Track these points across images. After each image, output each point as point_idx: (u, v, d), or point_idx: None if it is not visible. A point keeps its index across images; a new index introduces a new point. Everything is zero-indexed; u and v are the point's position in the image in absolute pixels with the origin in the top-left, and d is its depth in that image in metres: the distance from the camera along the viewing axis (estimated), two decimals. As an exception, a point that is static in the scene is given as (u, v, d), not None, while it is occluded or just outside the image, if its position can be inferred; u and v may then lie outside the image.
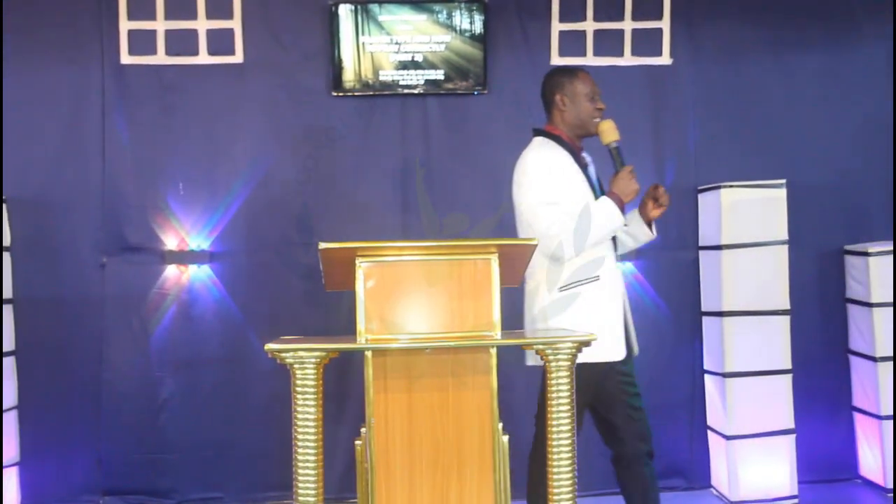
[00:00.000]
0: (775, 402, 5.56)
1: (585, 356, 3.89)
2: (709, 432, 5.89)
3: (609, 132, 4.19)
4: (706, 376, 5.88)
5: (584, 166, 4.22)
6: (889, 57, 6.14)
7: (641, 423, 4.30)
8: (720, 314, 5.61)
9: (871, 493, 5.79)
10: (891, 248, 5.72)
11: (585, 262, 4.07)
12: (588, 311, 4.06)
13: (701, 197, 5.91)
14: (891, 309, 5.64)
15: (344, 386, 5.54)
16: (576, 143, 4.28)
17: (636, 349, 4.33)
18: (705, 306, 5.87)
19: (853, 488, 5.89)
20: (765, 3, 6.06)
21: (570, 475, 3.65)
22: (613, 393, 4.23)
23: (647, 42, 5.99)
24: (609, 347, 4.08)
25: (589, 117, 4.23)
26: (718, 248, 5.63)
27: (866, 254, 5.64)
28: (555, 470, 3.64)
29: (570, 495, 3.64)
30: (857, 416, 5.94)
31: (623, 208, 4.09)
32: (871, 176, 6.06)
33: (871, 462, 5.88)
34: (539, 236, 4.01)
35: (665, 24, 5.98)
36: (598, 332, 3.91)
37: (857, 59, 6.12)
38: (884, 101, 6.13)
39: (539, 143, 4.26)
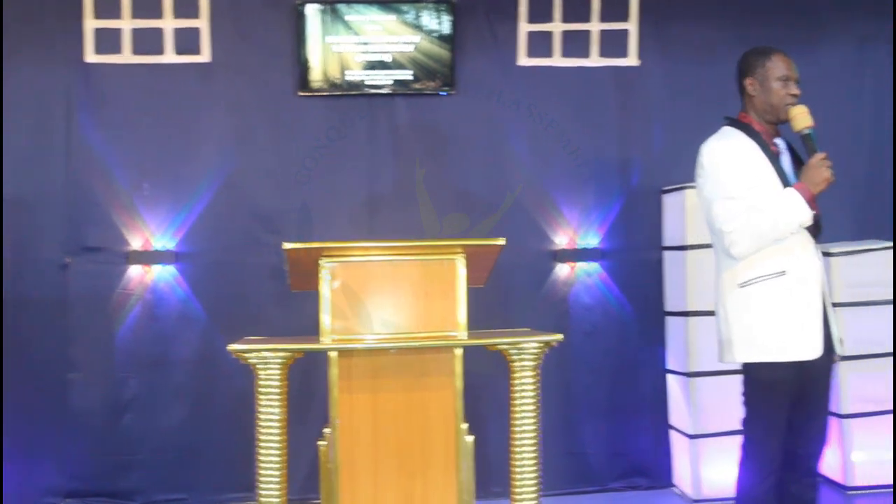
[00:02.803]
0: (739, 401, 5.59)
1: (768, 355, 3.79)
2: (671, 431, 5.92)
3: (800, 118, 3.85)
4: (669, 376, 5.92)
5: (774, 156, 3.90)
6: (855, 57, 6.26)
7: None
8: (685, 314, 5.65)
9: (831, 492, 5.83)
10: (853, 249, 5.78)
11: (768, 256, 3.80)
12: (770, 308, 3.80)
13: (666, 198, 5.95)
14: (855, 309, 5.70)
15: (309, 386, 5.52)
16: (768, 131, 3.96)
17: (837, 347, 3.94)
18: (669, 306, 5.91)
19: (815, 487, 5.93)
20: (732, 4, 6.11)
21: (533, 474, 3.67)
22: (815, 395, 3.94)
23: (614, 43, 6.02)
24: (797, 346, 3.80)
25: (780, 103, 3.90)
26: (683, 248, 5.67)
27: (828, 254, 5.69)
28: (518, 468, 3.65)
29: (533, 494, 3.66)
30: (820, 416, 5.99)
31: (812, 199, 3.77)
32: (838, 176, 6.10)
33: (831, 460, 5.92)
34: (714, 232, 3.90)
35: (632, 26, 6.01)
36: (784, 330, 3.78)
37: (823, 60, 6.16)
38: (848, 100, 6.22)
39: (723, 132, 4.01)
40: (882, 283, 5.82)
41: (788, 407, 3.86)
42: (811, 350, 3.81)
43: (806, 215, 3.75)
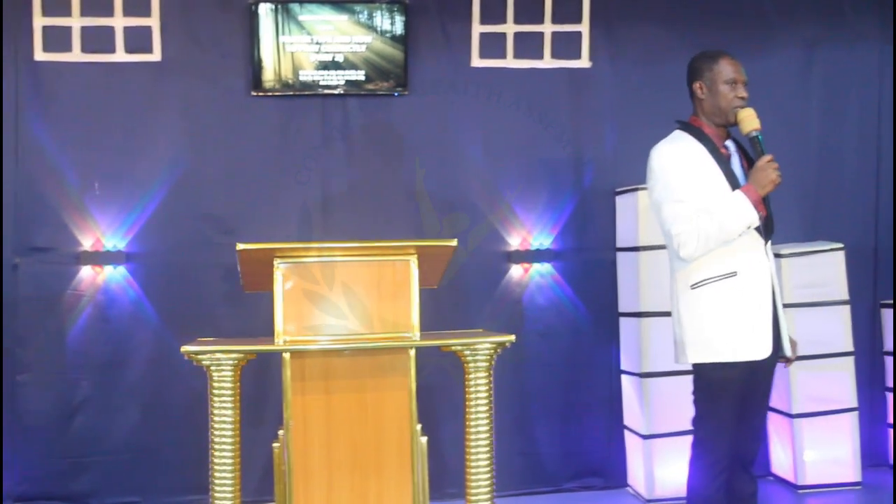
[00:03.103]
0: (691, 401, 5.63)
1: (720, 356, 3.80)
2: (626, 432, 5.95)
3: (748, 121, 3.86)
4: (623, 376, 5.95)
5: (725, 158, 3.91)
6: (803, 59, 6.34)
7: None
8: (637, 315, 5.68)
9: (783, 490, 5.91)
10: (804, 250, 5.85)
11: (719, 257, 3.81)
12: (722, 309, 3.81)
13: (619, 199, 5.98)
14: (805, 309, 5.78)
15: (263, 387, 5.49)
16: (719, 134, 3.97)
17: (786, 349, 3.96)
18: (622, 307, 5.94)
19: (766, 485, 5.98)
20: (683, 7, 6.16)
21: (488, 475, 3.68)
22: (757, 395, 3.97)
23: (566, 45, 6.04)
24: (746, 346, 3.81)
25: (728, 106, 3.90)
26: (636, 249, 5.70)
27: (779, 255, 5.75)
28: (473, 469, 3.66)
29: (488, 495, 3.67)
30: (770, 415, 6.03)
31: (759, 200, 3.77)
32: (787, 178, 6.17)
33: (782, 460, 6.00)
34: (663, 235, 3.92)
35: (584, 28, 6.04)
36: (735, 331, 3.79)
37: (772, 62, 6.23)
38: (798, 102, 6.31)
39: (673, 136, 4.01)
40: (832, 283, 5.89)
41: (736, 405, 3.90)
42: (762, 350, 3.83)
43: (753, 217, 3.77)
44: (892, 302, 6.24)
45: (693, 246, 3.77)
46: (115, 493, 5.58)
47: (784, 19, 6.30)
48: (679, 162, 3.87)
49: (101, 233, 5.59)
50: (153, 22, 5.66)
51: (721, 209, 3.76)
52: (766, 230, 3.92)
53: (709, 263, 3.83)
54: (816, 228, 6.28)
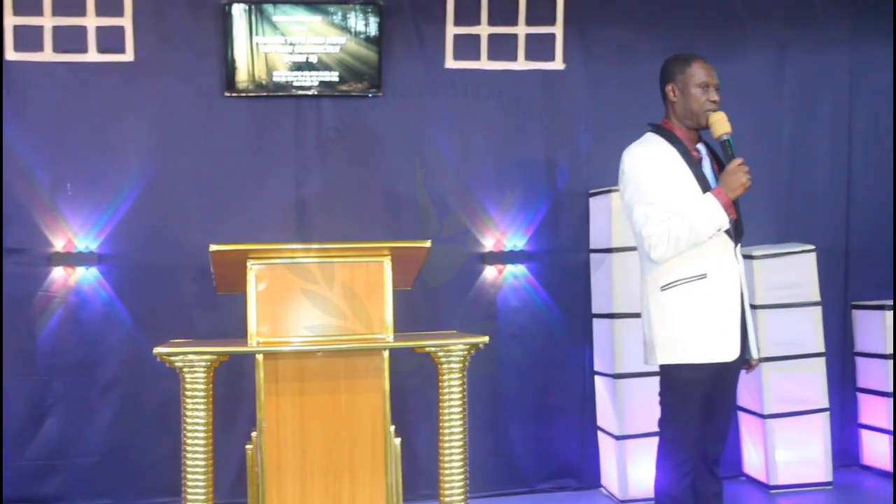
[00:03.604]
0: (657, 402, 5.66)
1: (689, 357, 3.81)
2: (599, 433, 5.97)
3: (719, 124, 3.88)
4: (596, 377, 5.96)
5: (696, 161, 3.92)
6: (776, 61, 6.39)
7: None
8: (610, 316, 5.69)
9: (754, 490, 5.94)
10: (775, 251, 5.89)
11: (689, 260, 3.82)
12: (691, 310, 3.83)
13: (592, 200, 5.99)
14: (773, 311, 5.82)
15: (237, 389, 5.48)
16: (690, 137, 3.99)
17: (753, 351, 3.99)
18: (596, 308, 5.95)
19: (737, 486, 6.02)
20: (656, 9, 6.18)
21: (461, 476, 3.68)
22: (723, 396, 3.99)
23: (540, 47, 6.05)
24: (715, 348, 3.83)
25: (700, 109, 3.92)
26: (609, 251, 5.71)
27: (750, 257, 5.78)
28: (446, 470, 3.66)
29: (461, 496, 3.68)
30: (742, 416, 6.08)
31: (730, 203, 3.79)
32: (759, 180, 6.20)
33: (754, 460, 6.03)
34: (634, 236, 3.93)
35: (558, 30, 6.05)
36: (704, 333, 3.80)
37: (745, 65, 6.27)
38: (770, 104, 6.37)
39: (645, 138, 4.02)
40: (803, 284, 5.93)
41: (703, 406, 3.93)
42: (730, 352, 3.86)
43: (723, 220, 3.80)
44: (861, 303, 6.32)
45: (664, 248, 3.79)
46: (86, 496, 5.54)
47: (756, 22, 6.33)
48: (650, 164, 3.89)
49: (73, 234, 5.55)
50: (126, 22, 5.63)
51: (692, 212, 3.78)
52: (737, 233, 3.94)
53: (679, 265, 3.85)
54: (788, 230, 6.33)
